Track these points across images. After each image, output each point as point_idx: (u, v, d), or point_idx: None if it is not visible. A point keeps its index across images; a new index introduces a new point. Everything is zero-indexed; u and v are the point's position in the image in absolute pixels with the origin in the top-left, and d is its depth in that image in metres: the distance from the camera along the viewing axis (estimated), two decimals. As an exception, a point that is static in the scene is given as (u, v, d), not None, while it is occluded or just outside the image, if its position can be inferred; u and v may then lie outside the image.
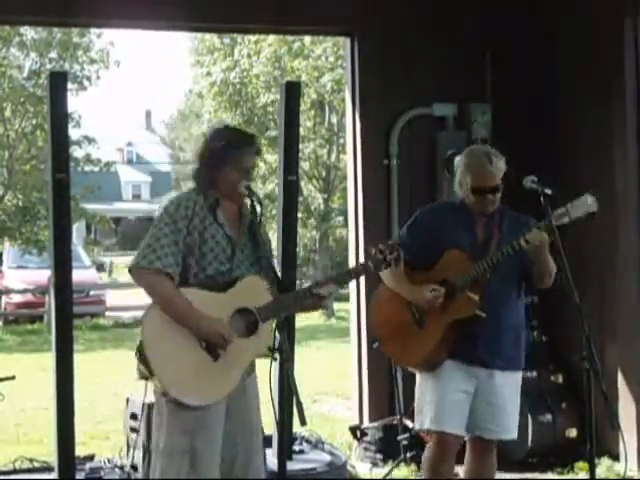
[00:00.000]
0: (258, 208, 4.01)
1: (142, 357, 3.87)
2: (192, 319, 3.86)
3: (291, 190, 6.37)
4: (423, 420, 4.77)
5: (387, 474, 6.40)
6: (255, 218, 4.04)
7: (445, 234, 4.72)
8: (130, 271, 3.96)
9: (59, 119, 5.98)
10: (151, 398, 4.16)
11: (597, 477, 4.33)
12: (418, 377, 4.86)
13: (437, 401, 4.68)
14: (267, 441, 6.37)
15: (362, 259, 7.24)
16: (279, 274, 4.18)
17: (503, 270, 4.60)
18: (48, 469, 6.08)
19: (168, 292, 3.89)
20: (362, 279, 7.15)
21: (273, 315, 3.93)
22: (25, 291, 19.66)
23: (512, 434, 4.77)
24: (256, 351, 3.96)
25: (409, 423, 6.74)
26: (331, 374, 11.36)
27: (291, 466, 5.74)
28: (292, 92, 6.38)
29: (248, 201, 4.00)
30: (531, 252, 4.50)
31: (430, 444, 4.81)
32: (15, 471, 6.17)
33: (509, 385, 4.74)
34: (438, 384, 4.68)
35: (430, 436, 4.89)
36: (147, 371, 3.87)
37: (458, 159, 4.83)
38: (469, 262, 4.63)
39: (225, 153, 4.00)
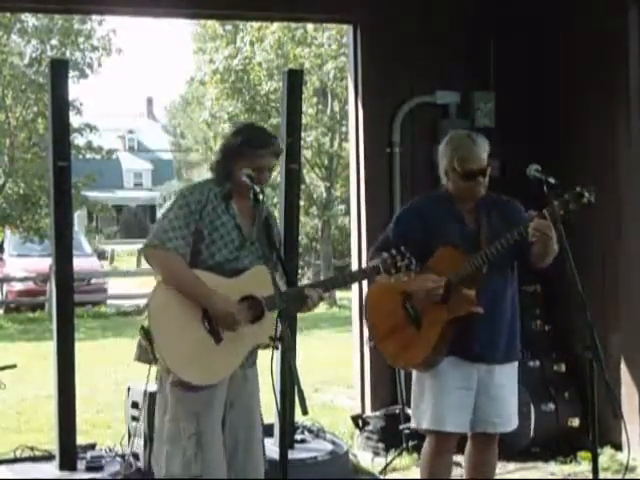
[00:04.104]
0: (260, 196, 4.02)
1: (148, 336, 3.89)
2: (205, 295, 3.92)
3: (293, 178, 6.36)
4: (420, 419, 4.67)
5: (389, 463, 6.39)
6: (262, 210, 4.07)
7: (434, 229, 4.56)
8: (143, 251, 4.05)
9: (60, 106, 5.97)
10: (153, 387, 4.18)
11: (600, 466, 4.32)
12: (414, 374, 4.75)
13: (436, 400, 4.56)
14: (268, 430, 6.38)
15: (363, 264, 7.23)
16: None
17: (496, 261, 4.47)
18: (49, 457, 6.08)
19: (181, 268, 3.96)
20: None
21: (278, 306, 3.94)
22: (26, 279, 19.64)
23: (514, 425, 4.73)
24: (258, 339, 4.00)
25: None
26: (333, 363, 11.34)
27: (293, 455, 5.72)
28: (294, 80, 6.37)
29: (251, 191, 4.03)
30: (537, 239, 4.36)
31: (428, 439, 4.71)
32: (16, 459, 6.17)
33: (508, 375, 4.68)
34: (437, 382, 4.57)
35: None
36: (151, 352, 3.88)
37: (441, 147, 4.72)
38: (463, 257, 4.49)
39: (241, 150, 4.08)
